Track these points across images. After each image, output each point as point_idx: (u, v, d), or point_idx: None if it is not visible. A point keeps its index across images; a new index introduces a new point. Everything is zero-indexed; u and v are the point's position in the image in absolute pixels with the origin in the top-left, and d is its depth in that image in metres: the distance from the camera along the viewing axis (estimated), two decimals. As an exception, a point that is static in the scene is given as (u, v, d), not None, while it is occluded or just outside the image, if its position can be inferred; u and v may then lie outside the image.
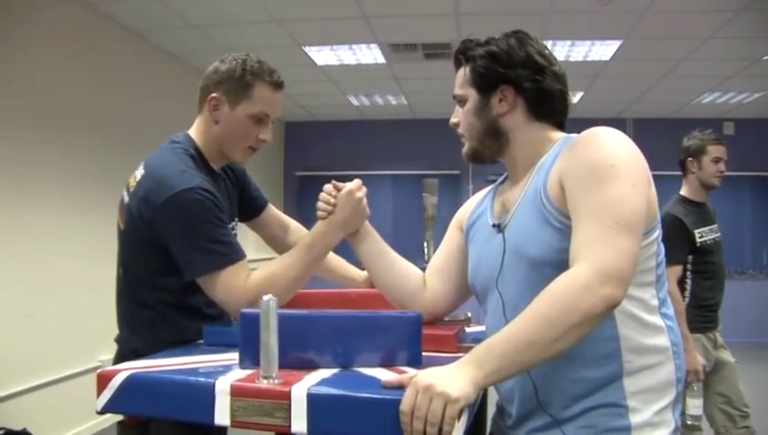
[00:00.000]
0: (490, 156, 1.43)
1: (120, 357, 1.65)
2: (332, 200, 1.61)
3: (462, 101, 1.42)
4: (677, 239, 2.99)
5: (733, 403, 3.13)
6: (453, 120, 1.46)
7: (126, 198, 1.68)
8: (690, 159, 3.17)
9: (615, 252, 1.10)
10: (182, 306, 1.67)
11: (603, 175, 1.16)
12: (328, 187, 1.64)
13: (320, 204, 1.63)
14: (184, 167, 1.62)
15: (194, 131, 1.76)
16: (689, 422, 2.98)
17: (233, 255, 1.58)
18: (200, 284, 1.58)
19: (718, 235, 3.21)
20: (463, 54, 1.41)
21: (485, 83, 1.37)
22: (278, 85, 1.73)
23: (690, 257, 3.10)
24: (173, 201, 1.54)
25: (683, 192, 3.24)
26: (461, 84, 1.42)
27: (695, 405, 2.98)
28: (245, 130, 1.71)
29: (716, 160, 3.15)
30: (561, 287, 1.09)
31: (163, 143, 1.74)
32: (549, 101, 1.37)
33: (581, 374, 1.21)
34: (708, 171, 3.15)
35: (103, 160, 4.64)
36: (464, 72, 1.41)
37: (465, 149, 1.44)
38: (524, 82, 1.34)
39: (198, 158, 1.71)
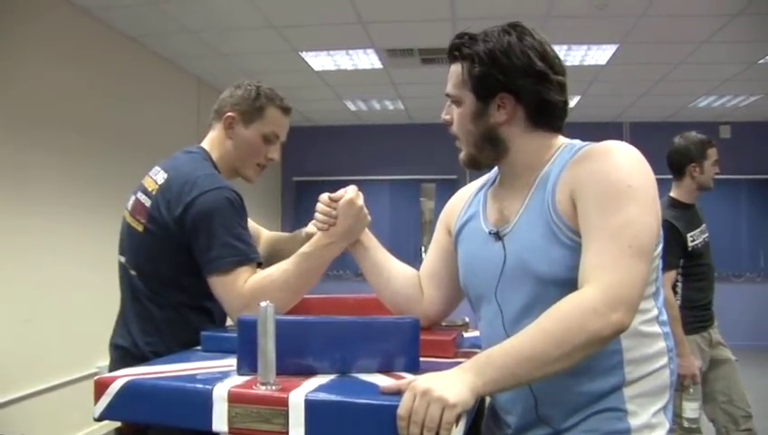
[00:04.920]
0: (488, 163, 1.40)
1: (131, 359, 1.64)
2: (333, 212, 1.58)
3: (457, 102, 1.36)
4: (671, 245, 2.97)
5: (735, 403, 3.11)
6: (445, 116, 1.39)
7: (147, 202, 1.72)
8: (693, 164, 3.14)
9: (627, 277, 1.10)
10: (202, 309, 1.72)
11: (619, 196, 1.15)
12: (324, 198, 1.60)
13: (319, 216, 1.60)
14: (211, 171, 1.74)
15: (207, 146, 1.86)
16: (686, 425, 2.97)
17: (250, 254, 1.64)
18: (210, 280, 1.63)
19: (707, 235, 3.20)
20: (458, 51, 1.33)
21: (484, 90, 1.30)
22: (287, 110, 1.89)
23: (681, 261, 3.09)
24: (204, 198, 1.63)
25: (673, 194, 3.20)
26: (456, 84, 1.34)
27: (691, 408, 2.97)
28: (256, 148, 1.85)
29: (715, 163, 3.16)
30: (569, 307, 1.08)
31: (177, 153, 1.84)
32: (549, 110, 1.31)
33: (585, 388, 1.21)
34: (709, 175, 3.15)
35: (101, 165, 4.64)
36: (459, 71, 1.33)
37: (462, 155, 1.39)
38: (524, 92, 1.29)
39: (215, 169, 1.80)
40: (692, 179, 3.16)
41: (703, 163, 3.14)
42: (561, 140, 1.35)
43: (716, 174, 3.18)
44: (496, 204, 1.39)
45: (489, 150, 1.35)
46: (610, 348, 1.18)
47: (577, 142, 1.32)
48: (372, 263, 1.60)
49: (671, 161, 3.21)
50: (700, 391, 3.08)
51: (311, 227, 1.93)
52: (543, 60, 1.28)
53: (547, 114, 1.32)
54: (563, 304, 1.09)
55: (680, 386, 2.91)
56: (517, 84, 1.28)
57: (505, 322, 1.29)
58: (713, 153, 3.16)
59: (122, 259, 1.80)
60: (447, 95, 1.38)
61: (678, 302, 3.09)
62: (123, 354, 1.73)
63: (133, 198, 1.79)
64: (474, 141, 1.35)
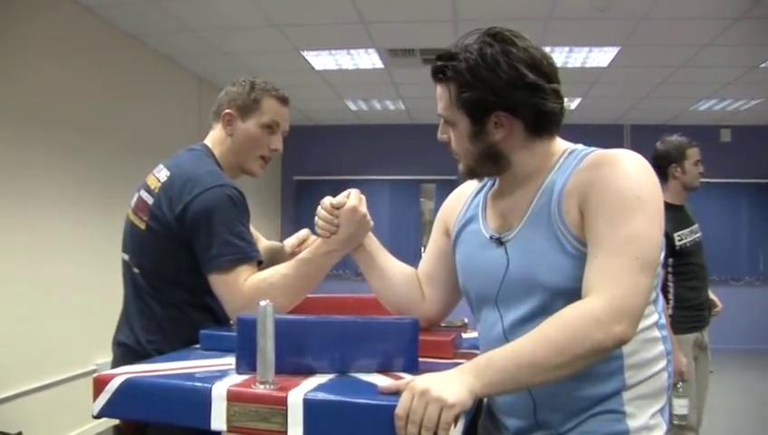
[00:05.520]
0: (489, 175, 1.38)
1: (133, 356, 1.65)
2: (336, 221, 1.53)
3: (451, 123, 1.31)
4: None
5: (693, 412, 3.16)
6: (442, 136, 1.35)
7: (149, 199, 1.73)
8: (673, 165, 3.25)
9: (632, 289, 1.10)
10: (204, 307, 1.72)
11: (628, 207, 1.14)
12: (326, 205, 1.55)
13: (321, 223, 1.55)
14: (213, 168, 1.76)
15: (210, 144, 1.87)
16: (676, 422, 3.02)
17: (250, 252, 1.64)
18: (209, 278, 1.63)
19: (699, 235, 3.25)
20: (442, 74, 1.28)
21: (478, 112, 1.25)
22: (284, 99, 1.89)
23: (670, 260, 3.13)
24: (205, 195, 1.64)
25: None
26: (447, 106, 1.29)
27: (680, 405, 3.04)
28: (257, 140, 1.86)
29: (697, 163, 3.26)
30: (572, 316, 1.08)
31: (180, 151, 1.85)
32: (547, 119, 1.28)
33: (585, 393, 1.21)
34: (692, 174, 3.25)
35: (101, 163, 4.65)
36: (448, 93, 1.28)
37: (461, 167, 1.35)
38: (520, 108, 1.24)
39: (218, 166, 1.81)
40: (675, 180, 3.25)
41: (683, 163, 3.24)
42: (562, 144, 1.33)
43: (701, 174, 3.28)
44: (497, 208, 1.37)
45: (491, 166, 1.32)
46: (611, 354, 1.17)
47: (580, 148, 1.31)
48: (374, 265, 1.58)
49: (654, 166, 3.22)
50: (693, 388, 3.12)
51: (291, 241, 1.93)
52: (533, 69, 1.23)
53: (546, 123, 1.29)
54: (567, 313, 1.09)
55: None
56: (511, 100, 1.23)
57: (505, 327, 1.28)
58: (693, 153, 3.26)
59: (125, 257, 1.80)
60: (440, 116, 1.33)
61: (671, 302, 3.14)
62: (126, 352, 1.73)
63: (136, 195, 1.79)
64: (474, 159, 1.32)
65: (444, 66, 1.27)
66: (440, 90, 1.30)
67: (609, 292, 1.09)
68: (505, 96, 1.23)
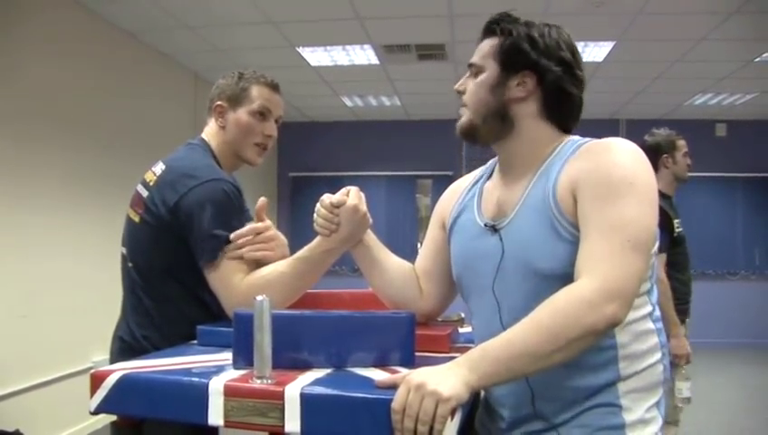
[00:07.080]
0: (486, 138, 1.37)
1: (130, 352, 1.66)
2: (336, 219, 1.51)
3: (478, 71, 1.36)
4: (663, 227, 3.05)
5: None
6: (459, 87, 1.39)
7: (144, 193, 1.73)
8: (665, 155, 3.34)
9: (623, 271, 1.10)
10: (198, 301, 1.71)
11: (620, 192, 1.15)
12: (326, 203, 1.52)
13: (320, 221, 1.53)
14: (209, 162, 1.77)
15: (206, 138, 1.88)
16: (680, 405, 3.07)
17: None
18: (205, 273, 1.63)
19: (682, 229, 3.36)
20: (498, 25, 1.35)
21: (511, 62, 1.31)
22: (273, 86, 1.89)
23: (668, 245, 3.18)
24: (200, 189, 1.63)
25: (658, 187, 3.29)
26: (483, 55, 1.35)
27: (687, 387, 3.09)
28: (250, 128, 1.85)
29: (686, 154, 3.37)
30: (564, 300, 1.09)
31: (179, 146, 1.86)
32: (565, 102, 1.33)
33: (581, 382, 1.22)
34: (682, 165, 3.35)
35: (99, 161, 4.64)
36: (490, 45, 1.35)
37: (462, 120, 1.37)
38: (548, 75, 1.30)
39: (215, 161, 1.82)
40: (667, 169, 3.33)
41: (674, 154, 3.34)
42: (566, 137, 1.35)
43: (689, 165, 3.39)
44: (493, 198, 1.38)
45: (494, 124, 1.34)
46: (606, 343, 1.19)
47: (577, 138, 1.33)
48: (372, 261, 1.57)
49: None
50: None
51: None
52: (572, 54, 1.33)
53: (561, 106, 1.34)
54: (558, 297, 1.10)
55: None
56: (543, 65, 1.30)
57: (503, 316, 1.29)
58: (682, 145, 3.37)
59: (123, 250, 1.81)
60: (470, 65, 1.38)
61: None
62: (122, 346, 1.74)
63: (135, 190, 1.80)
64: (483, 112, 1.34)
65: (501, 19, 1.36)
66: (484, 43, 1.37)
67: (601, 273, 1.10)
68: (541, 57, 1.30)
